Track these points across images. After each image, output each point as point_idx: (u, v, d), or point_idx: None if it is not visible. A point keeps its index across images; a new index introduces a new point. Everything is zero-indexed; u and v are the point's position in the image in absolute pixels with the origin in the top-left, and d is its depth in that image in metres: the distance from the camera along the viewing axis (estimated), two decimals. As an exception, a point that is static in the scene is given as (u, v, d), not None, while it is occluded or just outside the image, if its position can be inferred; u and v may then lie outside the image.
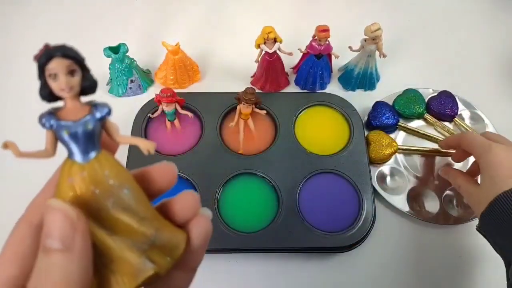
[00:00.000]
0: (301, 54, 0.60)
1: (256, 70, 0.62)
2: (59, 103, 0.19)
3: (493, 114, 0.60)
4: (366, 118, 0.59)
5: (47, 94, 0.18)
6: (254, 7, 0.75)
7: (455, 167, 0.55)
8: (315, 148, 0.55)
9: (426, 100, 0.60)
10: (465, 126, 0.59)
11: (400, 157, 0.57)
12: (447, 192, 0.54)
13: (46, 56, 0.18)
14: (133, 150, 0.53)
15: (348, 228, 0.49)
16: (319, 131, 0.58)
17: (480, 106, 0.61)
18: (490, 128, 0.59)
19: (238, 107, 0.54)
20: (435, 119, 0.59)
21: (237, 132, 0.55)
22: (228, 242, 0.48)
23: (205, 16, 0.73)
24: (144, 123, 0.56)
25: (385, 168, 0.56)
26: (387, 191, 0.54)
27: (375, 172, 0.55)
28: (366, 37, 0.56)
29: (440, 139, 0.58)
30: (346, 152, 0.54)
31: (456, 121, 0.59)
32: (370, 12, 0.74)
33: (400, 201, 0.53)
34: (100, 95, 0.61)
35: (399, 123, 0.59)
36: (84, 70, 0.19)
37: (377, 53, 0.58)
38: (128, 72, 0.60)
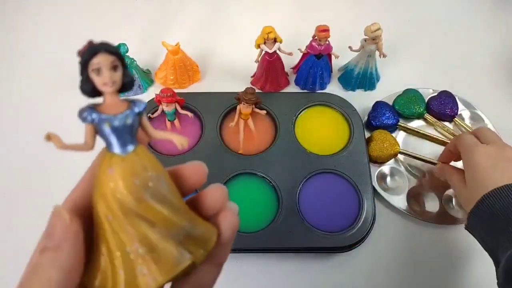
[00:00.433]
0: (301, 54, 0.60)
1: (256, 70, 0.62)
2: (98, 99, 0.20)
3: (493, 114, 0.60)
4: (366, 118, 0.59)
5: (90, 89, 0.19)
6: (254, 7, 0.75)
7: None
8: (315, 148, 0.55)
9: (426, 100, 0.60)
10: (465, 126, 0.59)
11: (400, 157, 0.57)
12: (447, 192, 0.54)
13: (90, 51, 0.18)
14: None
15: (348, 228, 0.49)
16: (319, 131, 0.58)
17: (480, 106, 0.61)
18: (489, 128, 0.59)
19: (238, 107, 0.54)
20: (435, 119, 0.59)
21: (237, 132, 0.55)
22: (228, 242, 0.48)
23: (205, 16, 0.73)
24: (144, 123, 0.56)
25: (385, 168, 0.56)
26: (387, 191, 0.54)
27: (375, 172, 0.55)
28: (366, 37, 0.56)
29: (440, 139, 0.58)
30: (346, 152, 0.54)
31: (456, 121, 0.59)
32: (370, 12, 0.74)
33: (400, 201, 0.53)
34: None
35: (399, 123, 0.59)
36: (124, 67, 0.19)
37: (377, 53, 0.58)
38: (128, 72, 0.60)
